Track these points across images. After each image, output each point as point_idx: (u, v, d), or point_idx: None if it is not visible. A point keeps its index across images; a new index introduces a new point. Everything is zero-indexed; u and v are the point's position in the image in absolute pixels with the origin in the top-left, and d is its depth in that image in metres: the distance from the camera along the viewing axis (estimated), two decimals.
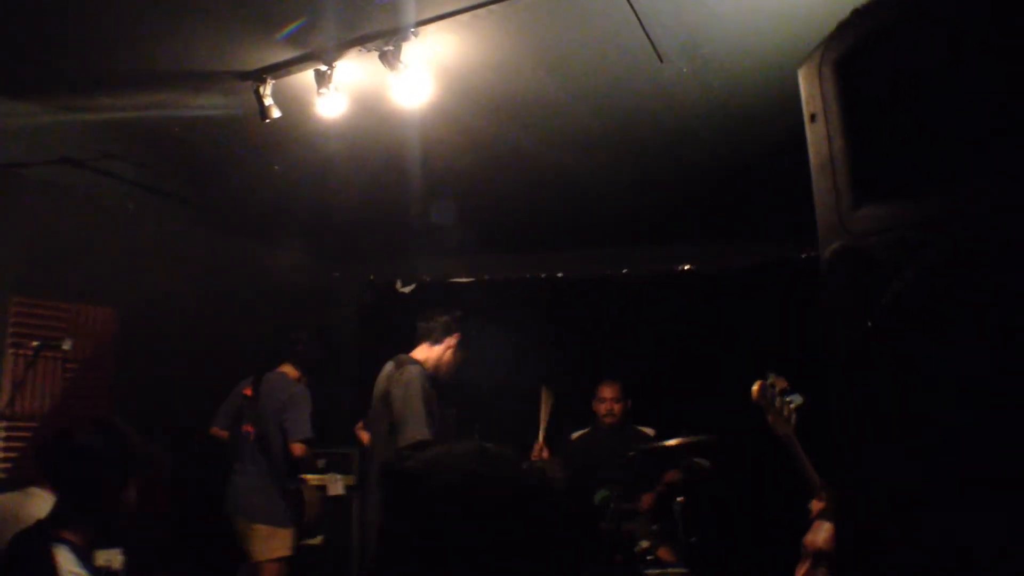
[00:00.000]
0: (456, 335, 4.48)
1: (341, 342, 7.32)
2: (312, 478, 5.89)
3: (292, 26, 3.44)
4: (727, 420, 4.56)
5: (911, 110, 1.51)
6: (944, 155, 1.47)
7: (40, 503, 3.25)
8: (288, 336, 5.46)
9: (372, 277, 7.15)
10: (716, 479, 5.14)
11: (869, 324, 1.50)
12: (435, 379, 4.35)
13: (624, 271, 6.66)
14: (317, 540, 5.53)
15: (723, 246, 6.20)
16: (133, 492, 2.54)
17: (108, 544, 2.72)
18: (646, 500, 5.37)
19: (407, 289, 7.14)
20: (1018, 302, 1.31)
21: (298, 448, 5.07)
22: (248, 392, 5.30)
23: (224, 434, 5.33)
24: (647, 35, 3.43)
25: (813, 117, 1.64)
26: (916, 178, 1.48)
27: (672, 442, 4.85)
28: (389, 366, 4.42)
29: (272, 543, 5.00)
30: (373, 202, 5.61)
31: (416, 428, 4.00)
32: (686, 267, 6.45)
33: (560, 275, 6.87)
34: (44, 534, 2.41)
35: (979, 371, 1.35)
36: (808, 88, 1.66)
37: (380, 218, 5.92)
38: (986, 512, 1.32)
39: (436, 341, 4.46)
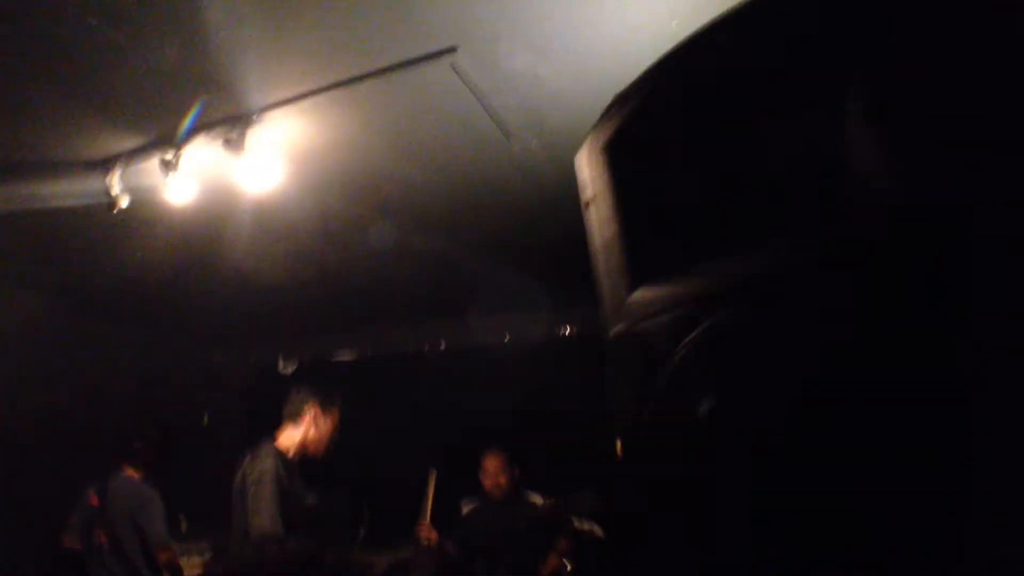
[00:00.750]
0: (313, 406, 4.36)
1: (224, 425, 7.14)
2: (197, 565, 5.70)
3: (192, 114, 3.39)
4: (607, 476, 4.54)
5: (677, 188, 1.55)
6: (711, 231, 1.50)
7: None
8: (125, 437, 5.29)
9: (252, 358, 7.03)
10: (602, 540, 5.10)
11: (650, 404, 1.52)
12: (305, 458, 4.27)
13: (505, 339, 6.68)
14: None
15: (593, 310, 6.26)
16: None
17: None
18: (545, 570, 5.30)
19: (289, 369, 7.03)
20: (790, 365, 1.33)
21: (163, 555, 4.94)
22: (94, 502, 5.11)
23: (78, 546, 5.11)
24: (490, 115, 3.48)
25: (588, 204, 1.67)
26: (685, 256, 1.51)
27: (542, 505, 4.80)
28: (246, 458, 4.30)
29: None
30: (242, 284, 5.52)
31: (263, 521, 3.90)
32: (567, 331, 6.49)
33: (442, 346, 6.85)
34: None
35: (758, 443, 1.37)
36: (584, 174, 1.69)
37: (252, 300, 5.83)
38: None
39: (296, 420, 4.36)
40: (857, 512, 1.20)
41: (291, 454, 4.23)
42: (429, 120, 3.60)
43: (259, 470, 4.00)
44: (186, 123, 3.51)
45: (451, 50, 3.04)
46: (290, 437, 4.31)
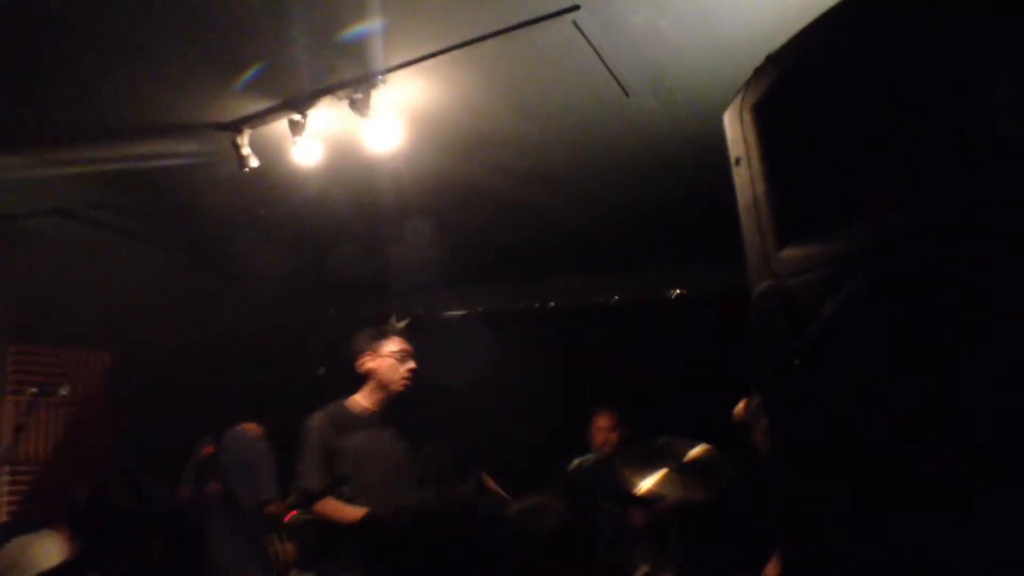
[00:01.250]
0: (365, 356, 4.09)
1: (338, 377, 7.33)
2: (307, 515, 5.90)
3: (250, 72, 3.50)
4: (723, 440, 4.55)
5: (826, 149, 1.56)
6: (860, 190, 1.51)
7: (45, 546, 3.31)
8: (259, 405, 5.37)
9: (367, 313, 7.18)
10: (710, 501, 5.10)
11: (796, 363, 1.54)
12: (394, 401, 4.07)
13: (615, 298, 6.68)
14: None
15: (708, 269, 6.21)
16: (159, 549, 2.59)
17: None
18: (636, 517, 5.32)
19: (402, 324, 7.16)
20: (938, 327, 1.34)
21: (269, 508, 4.96)
22: (209, 450, 5.23)
23: (190, 497, 5.22)
24: (611, 72, 3.50)
25: (737, 161, 1.69)
26: (835, 216, 1.52)
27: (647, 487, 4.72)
28: None
29: None
30: (359, 241, 5.67)
31: (304, 480, 3.87)
32: (675, 292, 6.47)
33: (552, 304, 6.90)
34: None
35: (904, 399, 1.38)
36: (732, 133, 1.71)
37: (368, 257, 5.97)
38: (926, 536, 1.35)
39: (360, 376, 4.13)
40: (1000, 487, 1.21)
41: (361, 408, 4.05)
42: (548, 79, 3.63)
43: (303, 430, 3.94)
44: (245, 78, 3.62)
45: (574, 8, 3.06)
46: (362, 393, 4.11)
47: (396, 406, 4.11)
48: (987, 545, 1.22)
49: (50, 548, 3.30)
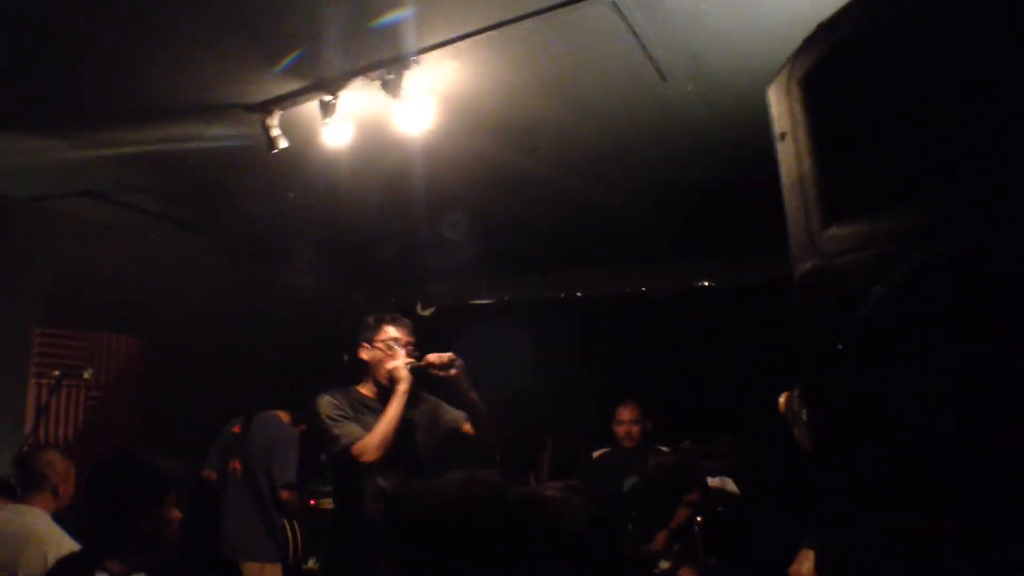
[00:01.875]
0: (362, 347, 3.94)
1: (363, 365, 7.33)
2: (328, 503, 5.90)
3: (288, 59, 3.47)
4: (751, 436, 4.50)
5: (879, 123, 1.49)
6: (913, 169, 1.44)
7: (28, 519, 3.30)
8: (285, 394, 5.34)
9: (392, 300, 7.17)
10: (736, 498, 5.05)
11: (840, 346, 1.48)
12: (384, 388, 3.85)
13: (643, 289, 6.63)
14: (312, 564, 5.53)
15: (742, 261, 6.14)
16: (173, 512, 2.59)
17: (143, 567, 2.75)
18: (673, 522, 5.29)
19: (428, 312, 7.15)
20: (989, 312, 1.28)
21: (285, 493, 5.01)
22: (237, 429, 5.23)
23: (214, 475, 5.26)
24: (648, 55, 3.43)
25: (783, 136, 1.62)
26: (886, 194, 1.46)
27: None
28: None
29: None
30: (386, 226, 5.65)
31: (343, 438, 3.66)
32: (705, 283, 6.40)
33: (579, 294, 6.86)
34: (87, 563, 2.44)
35: (953, 385, 1.32)
36: (777, 107, 1.64)
37: (395, 242, 5.95)
38: (969, 525, 1.29)
39: (363, 367, 3.98)
40: None
41: (370, 394, 3.91)
42: (584, 62, 3.57)
43: (314, 407, 3.80)
44: (284, 63, 3.58)
45: None
46: (363, 381, 3.96)
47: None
48: None
49: (28, 521, 3.31)
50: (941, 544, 1.32)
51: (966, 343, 1.31)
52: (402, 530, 1.59)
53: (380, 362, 3.85)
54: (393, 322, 3.97)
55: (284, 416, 5.31)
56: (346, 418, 3.69)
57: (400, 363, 3.71)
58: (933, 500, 1.34)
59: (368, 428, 3.67)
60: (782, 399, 2.85)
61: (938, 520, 1.32)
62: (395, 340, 3.90)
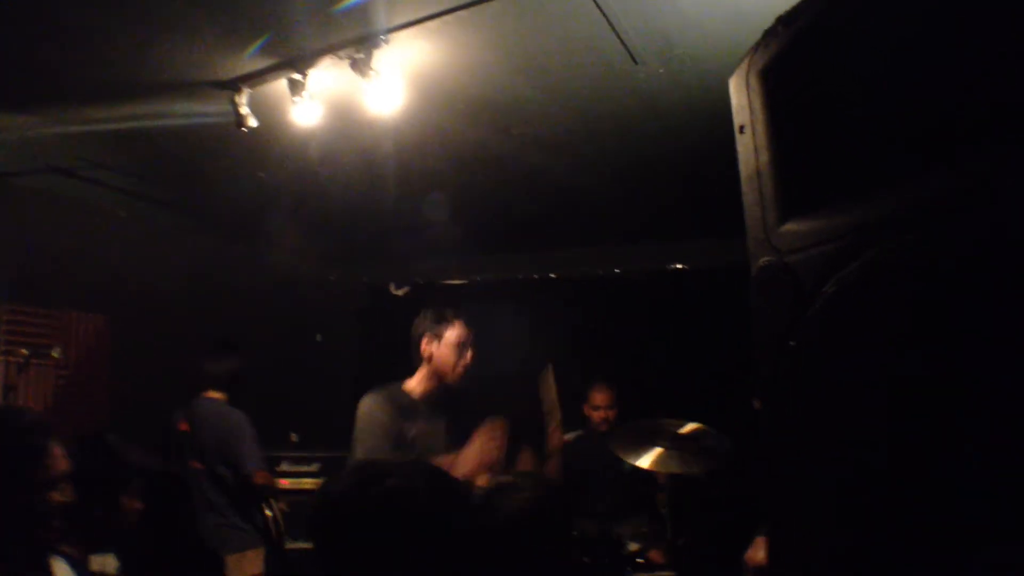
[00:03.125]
0: (425, 339, 3.90)
1: (339, 344, 7.32)
2: (307, 483, 5.88)
3: (259, 43, 3.42)
4: (719, 419, 4.52)
5: (836, 118, 1.48)
6: (868, 164, 1.43)
7: None
8: (196, 364, 5.13)
9: (365, 280, 7.15)
10: (704, 480, 5.06)
11: (792, 343, 1.47)
12: (444, 389, 3.91)
13: (616, 270, 6.63)
14: (302, 543, 5.46)
15: (714, 242, 6.15)
16: (134, 503, 2.55)
17: (101, 549, 2.71)
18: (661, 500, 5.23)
19: (401, 292, 7.13)
20: (941, 309, 1.27)
21: (260, 477, 4.87)
22: (184, 427, 5.02)
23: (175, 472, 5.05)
24: (619, 37, 3.41)
25: (741, 129, 1.61)
26: (840, 190, 1.45)
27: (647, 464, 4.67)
28: None
29: (243, 567, 4.85)
30: (358, 206, 5.61)
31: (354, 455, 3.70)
32: (678, 265, 6.41)
33: (552, 275, 6.85)
34: (40, 546, 2.35)
35: (904, 384, 1.32)
36: (737, 99, 1.63)
37: (367, 222, 5.92)
38: (917, 522, 1.29)
39: (419, 360, 3.94)
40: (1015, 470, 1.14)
41: (418, 393, 3.89)
42: (555, 43, 3.54)
43: (356, 413, 3.75)
44: (252, 49, 3.56)
45: None
46: (417, 379, 3.93)
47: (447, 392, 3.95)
48: (991, 542, 1.16)
49: None
50: (886, 544, 1.32)
51: (917, 341, 1.31)
52: (311, 528, 1.58)
53: (449, 362, 3.84)
54: (461, 318, 3.94)
55: (219, 395, 5.07)
56: (380, 434, 3.63)
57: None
58: (881, 500, 1.35)
59: (404, 440, 3.65)
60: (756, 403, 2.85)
61: (884, 520, 1.33)
62: (465, 340, 3.90)
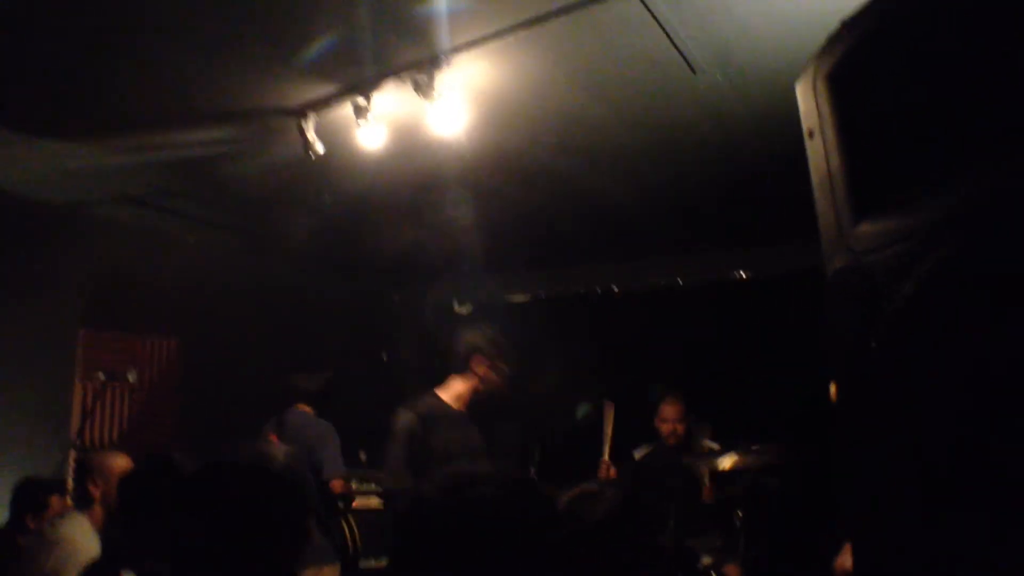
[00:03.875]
0: (480, 360, 4.01)
1: (402, 362, 7.38)
2: (375, 501, 5.92)
3: (316, 47, 3.49)
4: (795, 428, 4.47)
5: (905, 118, 1.48)
6: (941, 162, 1.43)
7: (72, 528, 3.31)
8: (290, 380, 5.34)
9: (429, 298, 7.22)
10: (780, 492, 5.01)
11: (872, 344, 1.47)
12: (477, 403, 4.04)
13: (679, 280, 6.59)
14: (381, 562, 5.51)
15: (778, 250, 6.08)
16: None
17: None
18: (707, 492, 5.23)
19: (464, 310, 7.18)
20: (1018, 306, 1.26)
21: (337, 485, 5.02)
22: (274, 438, 5.17)
23: None
24: (677, 48, 3.42)
25: (811, 133, 1.62)
26: (914, 189, 1.45)
27: (727, 463, 4.71)
28: None
29: None
30: (421, 226, 5.67)
31: (385, 477, 3.92)
32: (742, 273, 6.35)
33: (615, 288, 6.83)
34: (103, 572, 2.37)
35: (985, 382, 1.31)
36: (805, 104, 1.63)
37: (429, 241, 5.98)
38: (1005, 521, 1.28)
39: (458, 369, 4.05)
40: None
41: (456, 405, 4.00)
42: (614, 57, 3.57)
43: (392, 426, 3.89)
44: (311, 53, 3.57)
45: None
46: (454, 388, 4.04)
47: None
48: None
49: (72, 530, 3.30)
50: (972, 543, 1.31)
51: (996, 339, 1.30)
52: (394, 526, 1.61)
53: (494, 384, 4.02)
54: (511, 352, 4.12)
55: (308, 409, 5.27)
56: (408, 458, 3.75)
57: None
58: (969, 499, 1.33)
59: (440, 448, 3.76)
60: (834, 388, 2.82)
61: (970, 520, 1.32)
62: (510, 375, 4.09)
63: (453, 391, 4.00)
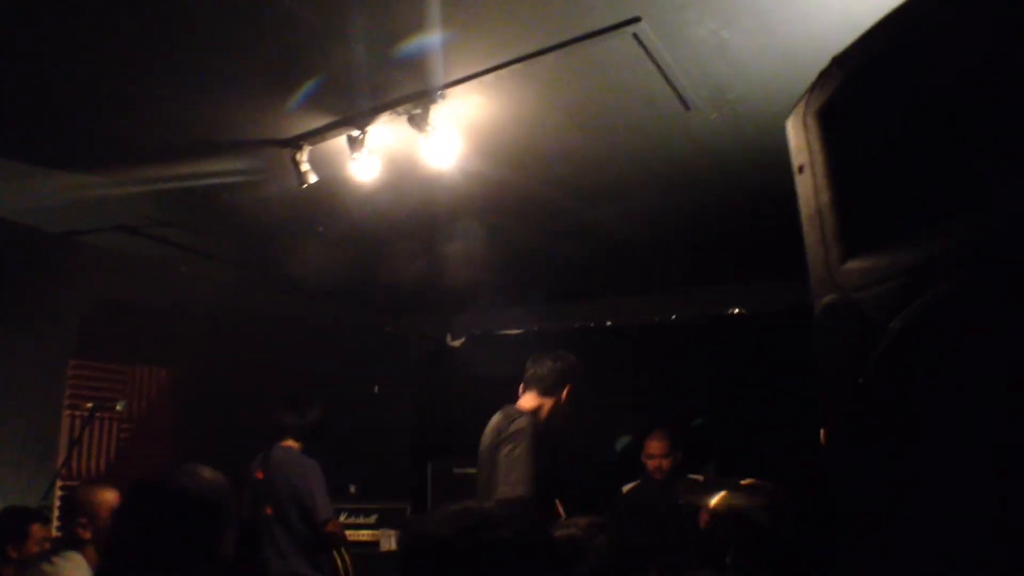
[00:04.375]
0: (569, 385, 4.06)
1: (396, 396, 7.35)
2: (364, 534, 5.88)
3: (307, 86, 3.50)
4: (786, 465, 4.45)
5: (895, 155, 1.48)
6: (930, 200, 1.43)
7: (70, 567, 3.23)
8: (277, 415, 5.24)
9: (421, 331, 7.22)
10: (771, 529, 4.97)
11: (860, 381, 1.46)
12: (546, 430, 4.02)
13: (672, 317, 6.60)
14: None
15: (771, 286, 6.09)
16: (229, 546, 2.28)
17: None
18: (704, 519, 5.20)
19: (457, 343, 7.17)
20: (1008, 345, 1.26)
21: (329, 527, 4.95)
22: (260, 475, 5.14)
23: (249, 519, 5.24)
24: (671, 85, 3.44)
25: (801, 169, 1.62)
26: (904, 227, 1.45)
27: (715, 501, 4.66)
28: (497, 418, 4.04)
29: None
30: (415, 258, 5.68)
31: (514, 486, 3.70)
32: (735, 310, 6.36)
33: (608, 323, 6.83)
34: None
35: (976, 420, 1.30)
36: (795, 140, 1.64)
37: (422, 274, 5.98)
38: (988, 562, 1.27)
39: (547, 391, 4.03)
40: None
41: (538, 419, 3.97)
42: (608, 94, 3.59)
43: (514, 431, 3.79)
44: (300, 95, 3.61)
45: (635, 20, 3.02)
46: (536, 403, 4.03)
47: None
48: None
49: (69, 570, 3.23)
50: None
51: (985, 378, 1.30)
52: (400, 557, 1.60)
53: (564, 413, 4.04)
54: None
55: (295, 444, 5.18)
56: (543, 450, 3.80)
57: None
58: (954, 536, 1.32)
59: (526, 459, 3.75)
60: (824, 431, 2.81)
61: (966, 558, 1.30)
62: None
63: (534, 408, 3.98)
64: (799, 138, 1.62)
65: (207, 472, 2.23)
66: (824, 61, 1.59)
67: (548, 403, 4.02)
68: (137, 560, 2.02)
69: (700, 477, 5.40)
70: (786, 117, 1.70)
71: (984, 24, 1.33)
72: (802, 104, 1.61)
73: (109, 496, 3.46)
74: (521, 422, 3.83)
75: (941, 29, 1.36)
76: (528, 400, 4.04)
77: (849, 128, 1.53)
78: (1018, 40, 1.28)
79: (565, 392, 4.04)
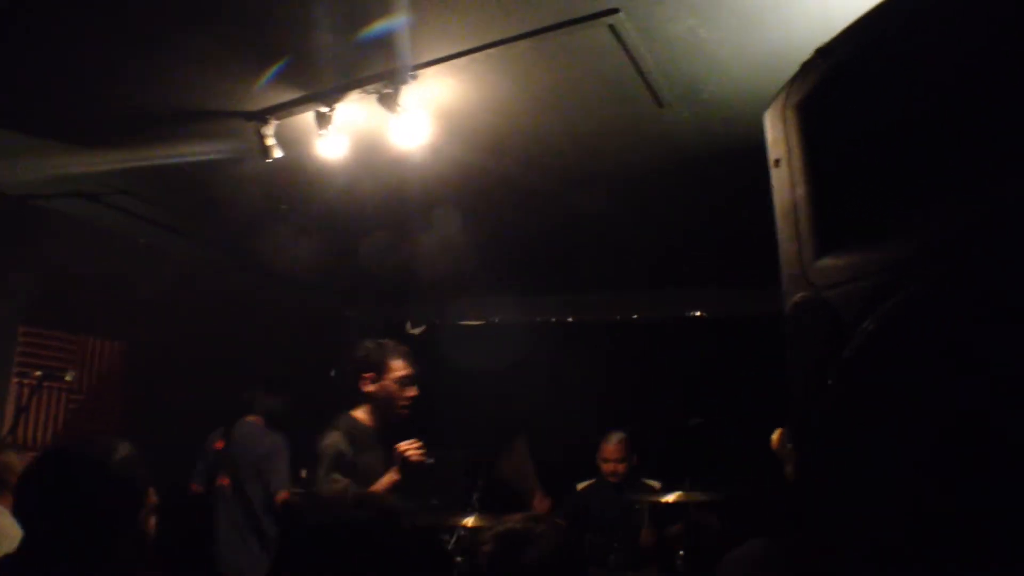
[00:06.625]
0: (367, 373, 3.90)
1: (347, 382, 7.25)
2: None
3: (277, 66, 3.44)
4: (740, 471, 4.46)
5: (872, 151, 1.47)
6: (906, 198, 1.42)
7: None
8: (248, 394, 5.33)
9: (382, 317, 7.13)
10: (721, 534, 5.00)
11: (830, 382, 1.44)
12: (389, 423, 3.93)
13: (634, 316, 6.59)
14: None
15: (736, 291, 6.09)
16: (150, 520, 2.12)
17: None
18: (645, 536, 5.23)
19: (417, 331, 7.10)
20: (977, 345, 1.25)
21: (283, 494, 4.95)
22: (219, 445, 5.19)
23: (202, 490, 5.24)
24: (645, 80, 3.42)
25: (777, 162, 1.60)
26: (877, 225, 1.43)
27: (671, 498, 4.70)
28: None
29: None
30: (379, 241, 5.60)
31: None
32: (697, 313, 6.36)
33: (569, 319, 6.81)
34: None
35: (940, 421, 1.29)
36: (772, 133, 1.62)
37: (386, 259, 5.90)
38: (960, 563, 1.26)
39: (359, 390, 3.94)
40: None
41: (368, 423, 3.90)
42: (581, 84, 3.56)
43: (319, 448, 3.72)
44: (272, 71, 3.55)
45: (613, 11, 2.98)
46: (363, 409, 3.92)
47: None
48: None
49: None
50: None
51: (953, 378, 1.28)
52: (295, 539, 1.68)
53: (391, 398, 3.87)
54: (400, 355, 3.95)
55: (259, 420, 5.24)
56: (343, 471, 3.62)
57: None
58: (925, 540, 1.31)
59: (365, 469, 3.66)
60: (775, 436, 2.80)
61: (928, 561, 1.29)
62: (407, 377, 3.92)
63: (363, 413, 3.91)
64: (777, 131, 1.60)
65: (122, 445, 2.13)
66: (798, 63, 1.57)
67: (366, 404, 3.92)
68: (40, 528, 1.95)
69: (656, 483, 5.42)
70: (759, 119, 1.68)
71: (968, 20, 1.32)
72: (781, 97, 1.59)
73: (13, 460, 3.43)
74: (324, 440, 3.75)
75: (928, 24, 1.34)
76: (360, 409, 3.94)
77: (828, 122, 1.52)
78: (1000, 37, 1.27)
79: (371, 384, 3.89)
